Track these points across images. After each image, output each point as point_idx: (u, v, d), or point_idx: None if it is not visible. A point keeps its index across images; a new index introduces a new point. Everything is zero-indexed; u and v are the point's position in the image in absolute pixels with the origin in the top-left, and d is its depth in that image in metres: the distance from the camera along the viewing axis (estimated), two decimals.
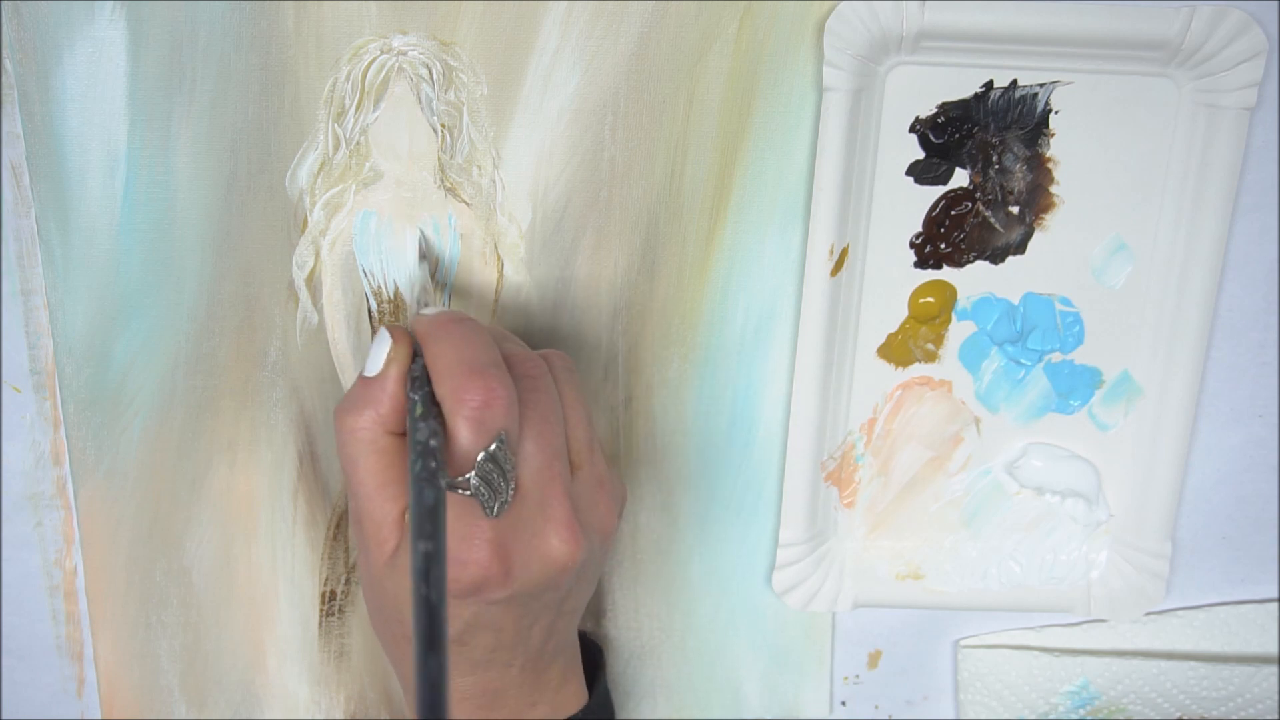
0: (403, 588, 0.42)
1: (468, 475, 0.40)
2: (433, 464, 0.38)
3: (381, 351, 0.42)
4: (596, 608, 0.56)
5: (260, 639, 0.54)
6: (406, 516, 0.42)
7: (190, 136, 0.47)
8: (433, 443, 0.39)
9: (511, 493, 0.41)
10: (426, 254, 0.49)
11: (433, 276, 0.50)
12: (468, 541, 0.40)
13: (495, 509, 0.41)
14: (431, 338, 0.42)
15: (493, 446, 0.40)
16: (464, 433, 0.40)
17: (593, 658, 0.52)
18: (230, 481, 0.52)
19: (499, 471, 0.40)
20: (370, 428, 0.42)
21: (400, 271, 0.50)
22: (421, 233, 0.49)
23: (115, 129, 0.47)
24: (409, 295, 0.50)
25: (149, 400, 0.51)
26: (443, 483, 0.37)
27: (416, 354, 0.43)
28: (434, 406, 0.41)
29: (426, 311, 0.44)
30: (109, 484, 0.52)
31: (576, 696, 0.48)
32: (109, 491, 0.52)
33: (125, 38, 0.45)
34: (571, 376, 0.45)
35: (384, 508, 0.42)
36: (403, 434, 0.43)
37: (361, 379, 0.43)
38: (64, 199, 0.47)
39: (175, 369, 0.50)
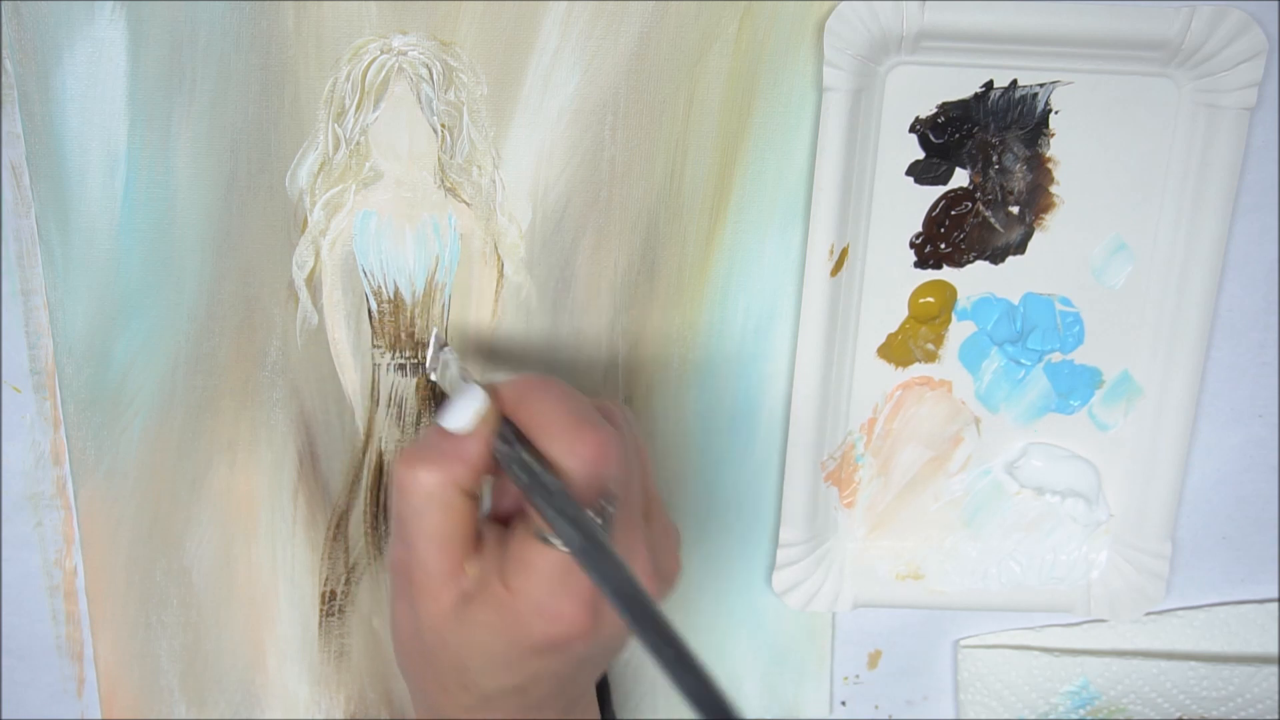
0: (473, 641, 0.41)
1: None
2: (599, 520, 0.38)
3: (471, 406, 0.41)
4: None
5: (260, 639, 0.54)
6: (470, 569, 0.41)
7: (190, 136, 0.47)
8: (600, 521, 0.39)
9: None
10: (446, 342, 0.49)
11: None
12: (566, 596, 0.40)
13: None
14: (527, 399, 0.41)
15: (606, 505, 0.40)
16: (579, 486, 0.39)
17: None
18: (230, 481, 0.52)
19: (605, 527, 0.40)
20: (446, 485, 0.41)
21: (401, 273, 0.50)
22: (435, 333, 0.49)
23: (115, 129, 0.47)
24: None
25: (149, 400, 0.51)
26: (607, 545, 0.38)
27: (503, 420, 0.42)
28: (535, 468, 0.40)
29: (501, 377, 0.43)
30: (109, 484, 0.52)
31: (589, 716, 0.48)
32: (109, 491, 0.52)
33: (125, 38, 0.45)
34: (634, 428, 0.45)
35: (443, 561, 0.41)
36: (470, 495, 0.42)
37: (441, 432, 0.41)
38: (64, 199, 0.47)
39: (175, 369, 0.50)
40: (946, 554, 0.55)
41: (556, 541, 0.39)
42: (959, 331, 0.52)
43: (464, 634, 0.42)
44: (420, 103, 0.47)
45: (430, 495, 0.41)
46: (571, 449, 0.40)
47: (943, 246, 0.51)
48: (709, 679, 0.35)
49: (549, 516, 0.39)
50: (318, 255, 0.49)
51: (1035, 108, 0.49)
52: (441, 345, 0.45)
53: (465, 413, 0.41)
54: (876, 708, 0.59)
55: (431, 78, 0.47)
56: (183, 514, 0.52)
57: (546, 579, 0.40)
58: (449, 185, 0.49)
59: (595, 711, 0.48)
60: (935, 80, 0.48)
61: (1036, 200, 0.50)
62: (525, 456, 0.41)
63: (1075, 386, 0.53)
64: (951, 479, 0.54)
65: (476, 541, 0.42)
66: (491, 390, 0.42)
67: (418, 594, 0.42)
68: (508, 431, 0.41)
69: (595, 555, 0.38)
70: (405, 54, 0.47)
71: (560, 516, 0.39)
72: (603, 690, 0.51)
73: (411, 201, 0.49)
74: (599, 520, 0.39)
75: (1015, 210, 0.50)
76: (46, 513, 0.52)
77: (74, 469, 0.51)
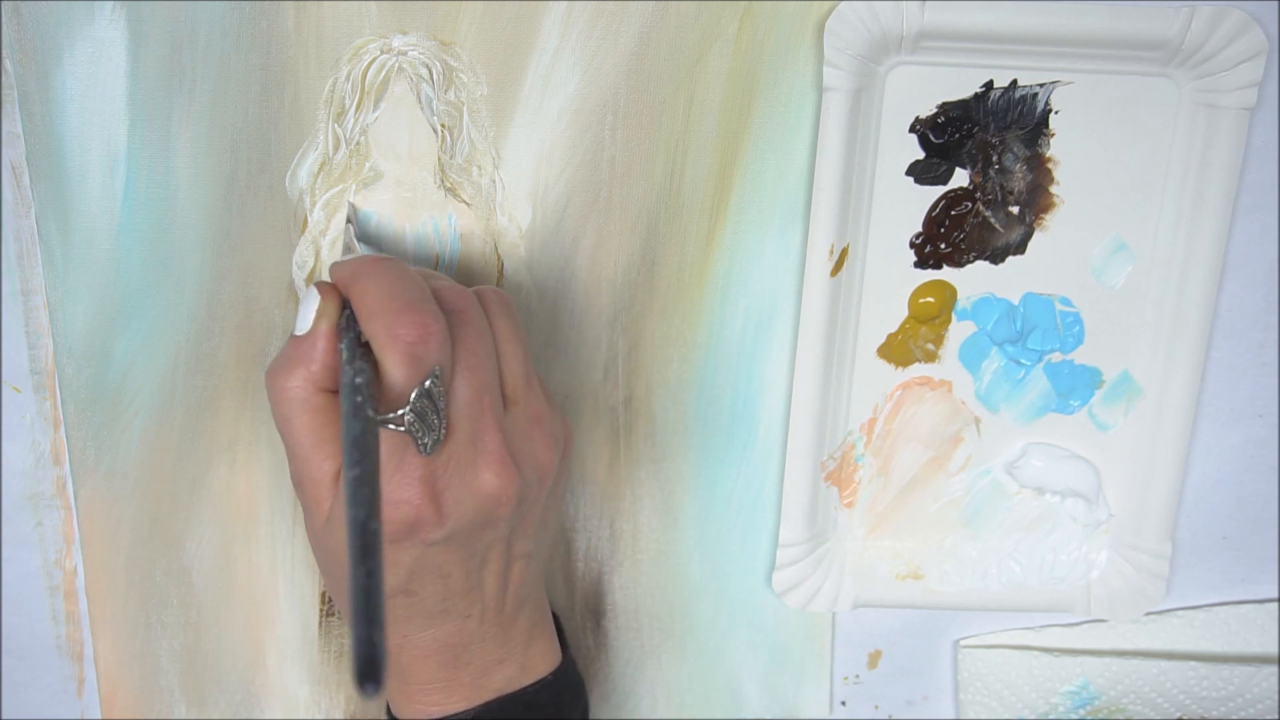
0: (342, 545, 0.41)
1: (401, 411, 0.39)
2: (359, 399, 0.37)
3: (310, 308, 0.42)
4: (597, 608, 0.56)
5: (260, 639, 0.54)
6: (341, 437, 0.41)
7: (190, 136, 0.47)
8: (359, 380, 0.38)
9: (444, 430, 0.40)
10: (352, 218, 0.48)
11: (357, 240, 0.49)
12: (399, 481, 0.40)
13: (428, 445, 0.40)
14: (358, 278, 0.41)
15: (427, 382, 0.39)
16: (398, 369, 0.39)
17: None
18: (230, 481, 0.52)
19: (433, 407, 0.40)
20: (302, 386, 0.41)
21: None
22: (350, 203, 0.48)
23: (115, 129, 0.47)
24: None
25: (149, 400, 0.51)
26: (372, 414, 0.37)
27: (344, 306, 0.42)
28: (363, 348, 0.40)
29: (344, 258, 0.43)
30: (109, 484, 0.52)
31: (546, 655, 0.47)
32: (109, 491, 0.52)
33: (125, 38, 0.45)
34: (506, 310, 0.44)
35: (321, 467, 0.41)
36: (335, 391, 0.42)
37: (292, 338, 0.42)
38: (64, 199, 0.47)
39: (175, 369, 0.50)
40: (946, 554, 0.55)
41: (395, 426, 0.39)
42: (959, 331, 0.52)
43: (337, 537, 0.42)
44: (420, 103, 0.47)
45: (291, 398, 0.41)
46: (387, 330, 0.39)
47: (943, 246, 0.51)
48: (370, 629, 0.33)
49: (341, 385, 0.39)
50: (318, 255, 0.49)
51: (1035, 108, 0.49)
52: (348, 220, 0.48)
53: (306, 314, 0.42)
54: (876, 708, 0.59)
55: (431, 78, 0.47)
56: (183, 514, 0.52)
57: (385, 464, 0.40)
58: (449, 185, 0.49)
59: (546, 649, 0.47)
60: (935, 80, 0.48)
61: (1036, 200, 0.50)
62: (342, 345, 0.41)
63: (1075, 386, 0.53)
64: (951, 479, 0.54)
65: None
66: (333, 285, 0.43)
67: (308, 503, 0.42)
68: (347, 320, 0.42)
69: (348, 428, 0.37)
70: (405, 54, 0.47)
71: (342, 396, 0.38)
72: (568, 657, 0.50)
73: (411, 201, 0.49)
74: (412, 406, 0.39)
75: (1015, 210, 0.50)
76: (46, 513, 0.52)
77: (74, 469, 0.51)
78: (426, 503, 0.40)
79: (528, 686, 0.46)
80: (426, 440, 0.40)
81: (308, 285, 0.49)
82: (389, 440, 0.40)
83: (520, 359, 0.43)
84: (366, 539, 0.33)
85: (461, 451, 0.41)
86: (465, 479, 0.41)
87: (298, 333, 0.42)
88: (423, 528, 0.40)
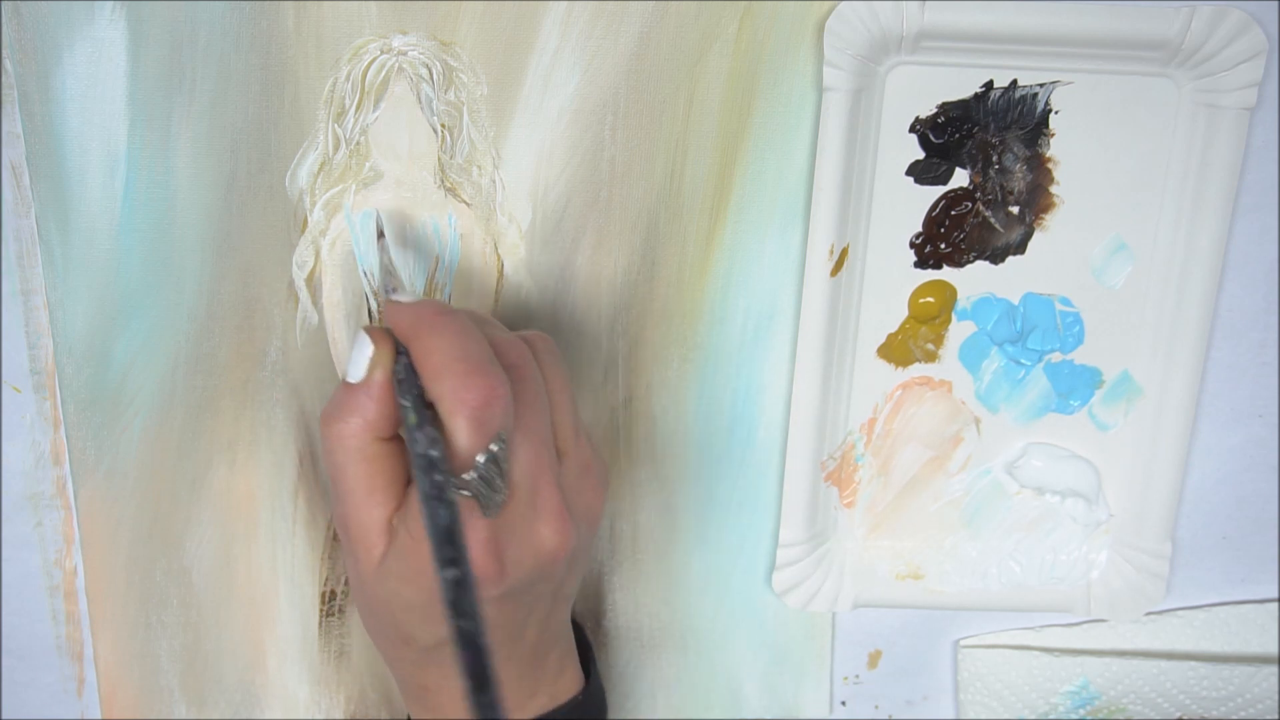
0: (394, 593, 0.42)
1: (468, 476, 0.39)
2: (439, 478, 0.37)
3: (363, 356, 0.41)
4: (596, 608, 0.56)
5: (260, 639, 0.54)
6: (394, 520, 0.41)
7: (190, 136, 0.47)
8: (433, 453, 0.38)
9: (508, 491, 0.40)
10: (384, 231, 0.48)
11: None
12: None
13: (494, 509, 0.40)
14: (419, 333, 0.41)
15: (494, 447, 0.39)
16: (465, 433, 0.39)
17: (580, 640, 0.51)
18: (230, 481, 0.52)
19: (498, 470, 0.40)
20: (358, 435, 0.41)
21: (401, 273, 0.50)
22: (378, 212, 0.48)
23: (115, 129, 0.47)
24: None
25: (149, 400, 0.51)
26: (453, 496, 0.37)
27: (399, 350, 0.42)
28: (427, 409, 0.40)
29: (400, 298, 0.42)
30: (109, 484, 0.52)
31: (573, 683, 0.47)
32: (109, 491, 0.52)
33: (125, 38, 0.45)
34: (555, 359, 0.44)
35: (372, 514, 0.41)
36: (390, 439, 0.42)
37: (345, 385, 0.42)
38: (64, 199, 0.47)
39: (175, 369, 0.50)
40: (946, 554, 0.55)
41: (461, 492, 0.39)
42: (959, 331, 0.52)
43: (388, 586, 0.42)
44: (420, 103, 0.47)
45: (346, 447, 0.41)
46: (454, 394, 0.39)
47: (943, 246, 0.51)
48: (488, 676, 0.35)
49: (411, 464, 0.39)
50: (318, 255, 0.49)
51: (1035, 108, 0.49)
52: (379, 234, 0.47)
53: (359, 362, 0.41)
54: (876, 708, 0.59)
55: (431, 78, 0.47)
56: (183, 514, 0.52)
57: None
58: (449, 185, 0.49)
59: (574, 677, 0.47)
60: (935, 80, 0.48)
61: (1036, 200, 0.50)
62: (405, 401, 0.40)
63: (1075, 386, 0.53)
64: (951, 479, 0.54)
65: (407, 488, 0.42)
66: (386, 330, 0.42)
67: (356, 548, 0.42)
68: (405, 370, 0.41)
69: (434, 516, 0.37)
70: (405, 54, 0.47)
71: (416, 467, 0.38)
72: (595, 677, 0.50)
73: (411, 201, 0.49)
74: (479, 471, 0.39)
75: (1015, 210, 0.50)
76: (46, 513, 0.52)
77: (74, 469, 0.51)
78: (490, 563, 0.40)
79: (553, 711, 0.46)
80: (490, 504, 0.40)
81: (308, 285, 0.49)
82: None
83: (570, 409, 0.43)
84: (480, 661, 0.34)
85: (522, 510, 0.41)
86: (525, 538, 0.41)
87: (351, 380, 0.41)
88: (483, 587, 0.40)
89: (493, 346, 0.41)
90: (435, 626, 0.42)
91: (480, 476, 0.39)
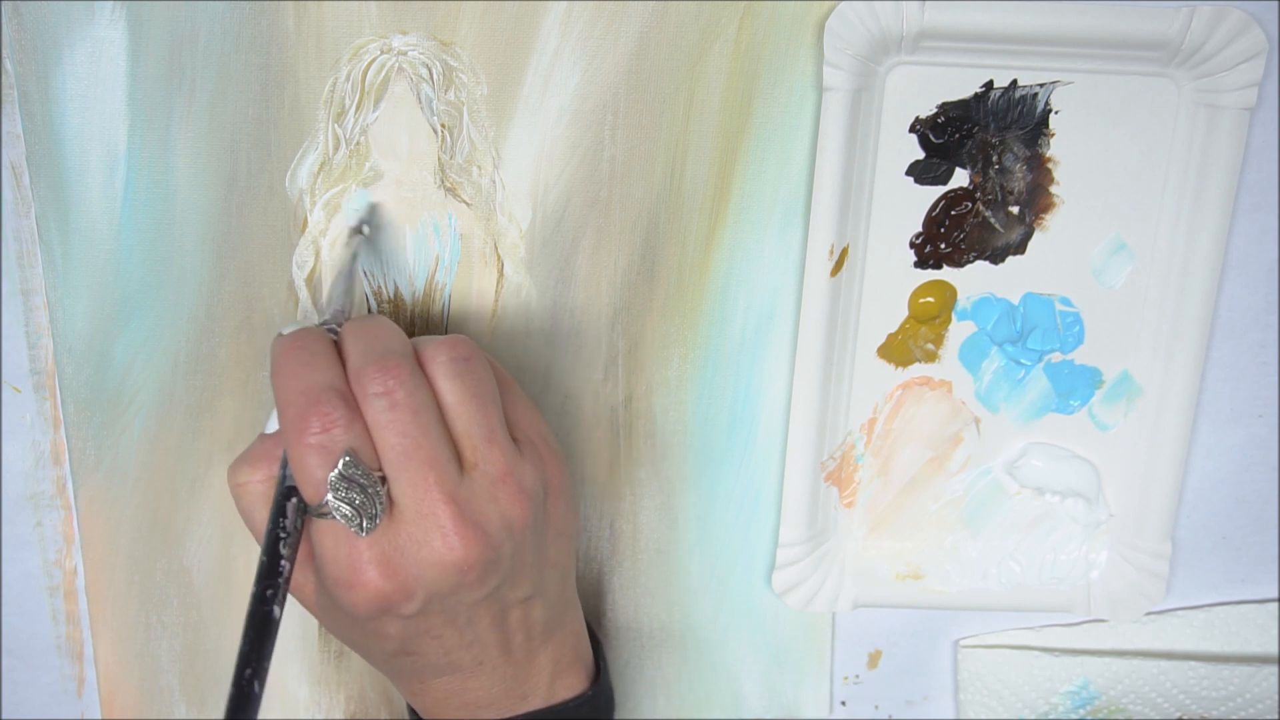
0: (330, 623, 0.45)
1: (324, 499, 0.40)
2: (269, 590, 0.41)
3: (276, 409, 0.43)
4: (596, 608, 0.56)
5: None
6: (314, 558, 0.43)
7: (190, 136, 0.47)
8: (277, 490, 0.42)
9: (382, 508, 0.41)
10: (368, 226, 0.48)
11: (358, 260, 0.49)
12: (351, 564, 0.41)
13: (365, 527, 0.41)
14: (273, 371, 0.42)
15: (340, 465, 0.40)
16: (310, 462, 0.40)
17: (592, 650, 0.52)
18: None
19: (358, 488, 0.40)
20: (263, 482, 0.43)
21: (401, 273, 0.50)
22: (370, 207, 0.48)
23: (115, 129, 0.47)
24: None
25: (149, 400, 0.51)
26: (275, 600, 0.40)
27: None
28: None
29: (285, 330, 0.44)
30: (109, 484, 0.52)
31: (574, 684, 0.47)
32: (109, 491, 0.52)
33: (125, 38, 0.45)
34: (455, 368, 0.43)
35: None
36: None
37: (261, 435, 0.44)
38: (64, 199, 0.47)
39: (175, 369, 0.50)
40: (946, 554, 0.55)
41: (328, 515, 0.41)
42: (959, 331, 0.52)
43: (324, 617, 0.45)
44: (420, 103, 0.47)
45: (249, 493, 0.44)
46: (294, 427, 0.41)
47: (943, 246, 0.51)
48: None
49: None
50: (318, 255, 0.49)
51: (1035, 108, 0.49)
52: (358, 230, 0.49)
53: (272, 414, 0.44)
54: (876, 708, 0.59)
55: (431, 78, 0.47)
56: (183, 514, 0.52)
57: (329, 551, 0.41)
58: (449, 185, 0.49)
59: (574, 683, 0.47)
60: (935, 80, 0.48)
61: (1036, 200, 0.50)
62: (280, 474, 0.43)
63: (1075, 386, 0.53)
64: (951, 479, 0.54)
65: None
66: None
67: (290, 590, 0.43)
68: None
69: (272, 533, 0.41)
70: (405, 54, 0.47)
71: (279, 491, 0.42)
72: (604, 682, 0.50)
73: (411, 201, 0.49)
74: (332, 491, 0.40)
75: (1015, 210, 0.50)
76: (46, 513, 0.52)
77: (74, 469, 0.51)
78: (385, 580, 0.41)
79: (545, 710, 0.47)
80: (361, 523, 0.41)
81: (308, 285, 0.50)
82: (332, 527, 0.41)
83: (474, 418, 0.43)
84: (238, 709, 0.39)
85: (410, 527, 0.41)
86: (420, 553, 0.41)
87: (267, 430, 0.44)
88: (392, 603, 0.41)
89: (360, 373, 0.42)
90: (378, 644, 0.44)
91: (337, 497, 0.40)
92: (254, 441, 0.44)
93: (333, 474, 0.40)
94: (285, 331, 0.44)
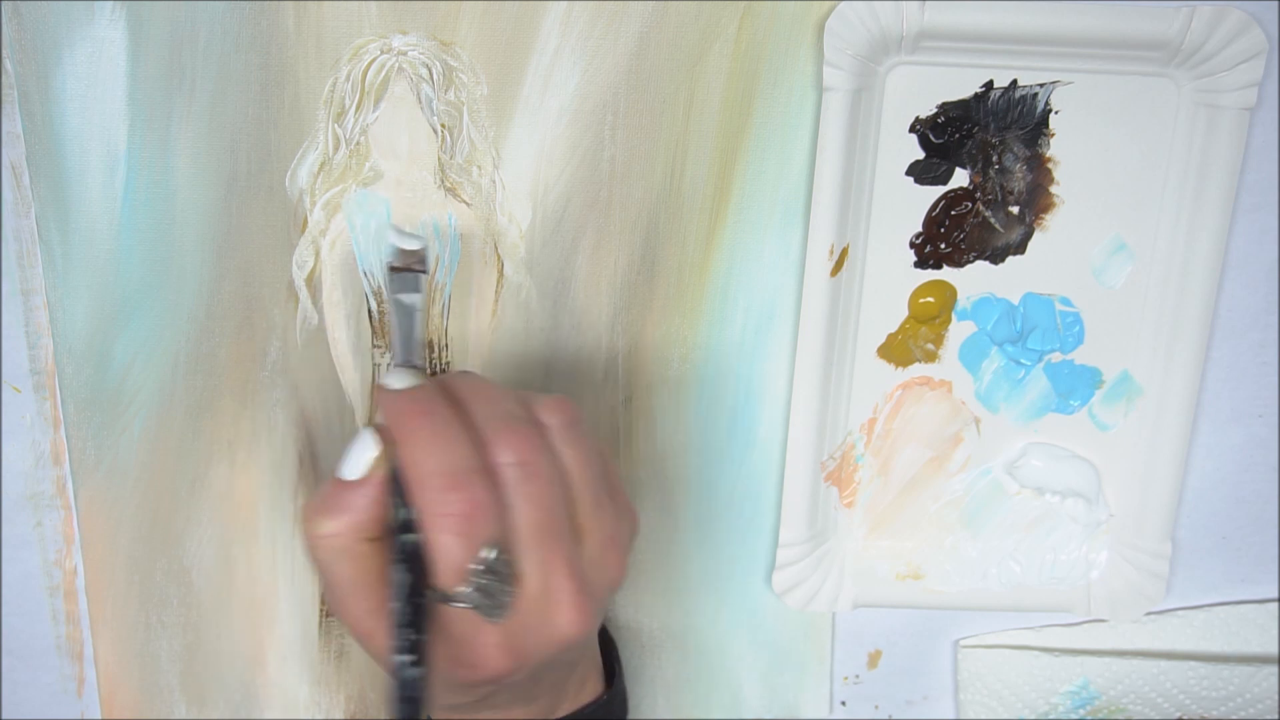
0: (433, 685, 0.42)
1: (460, 589, 0.38)
2: (397, 604, 0.38)
3: (364, 456, 0.40)
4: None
5: (260, 639, 0.54)
6: (390, 609, 0.40)
7: (190, 136, 0.47)
8: (403, 577, 0.38)
9: (512, 594, 0.39)
10: (423, 255, 0.45)
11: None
12: (475, 648, 0.39)
13: (498, 615, 0.39)
14: (400, 438, 0.39)
15: (487, 555, 0.38)
16: (449, 547, 0.38)
17: (605, 647, 0.51)
18: (230, 481, 0.52)
19: (496, 579, 0.39)
20: (345, 534, 0.40)
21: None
22: (394, 235, 0.45)
23: (115, 129, 0.47)
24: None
25: (149, 400, 0.51)
26: (421, 669, 0.37)
27: None
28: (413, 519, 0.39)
29: (393, 384, 0.41)
30: (109, 484, 0.52)
31: (595, 688, 0.47)
32: (109, 491, 0.52)
33: (125, 38, 0.45)
34: (572, 432, 0.42)
35: (361, 606, 0.41)
36: (378, 539, 0.41)
37: (337, 481, 0.41)
38: (64, 199, 0.47)
39: (175, 369, 0.50)
40: (946, 554, 0.55)
41: (458, 604, 0.39)
42: (959, 331, 0.52)
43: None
44: (420, 103, 0.47)
45: (331, 547, 0.40)
46: (433, 510, 0.38)
47: (943, 246, 0.51)
48: None
49: (390, 580, 0.39)
50: (318, 255, 0.49)
51: (1035, 108, 0.49)
52: (404, 267, 0.43)
53: (357, 462, 0.40)
54: (876, 708, 0.59)
55: (431, 78, 0.47)
56: (183, 514, 0.52)
57: (453, 628, 0.39)
58: (449, 185, 0.49)
59: (595, 685, 0.47)
60: (935, 80, 0.48)
61: (1036, 200, 0.50)
62: (391, 518, 0.40)
63: (1075, 386, 0.53)
64: (951, 479, 0.54)
65: None
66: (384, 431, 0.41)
67: (356, 635, 0.42)
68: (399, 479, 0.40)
69: (393, 641, 0.38)
70: (405, 54, 0.47)
71: (394, 585, 0.38)
72: (619, 682, 0.50)
73: (411, 201, 0.49)
74: (472, 583, 0.38)
75: (1015, 210, 0.50)
76: (46, 513, 0.52)
77: (74, 469, 0.51)
78: (507, 660, 0.40)
79: (575, 713, 0.46)
80: (494, 611, 0.39)
81: (308, 285, 0.50)
82: (463, 614, 0.39)
83: (590, 482, 0.41)
84: None
85: (536, 605, 0.40)
86: (541, 630, 0.40)
87: (347, 477, 0.40)
88: (502, 679, 0.40)
89: (493, 438, 0.40)
90: (452, 697, 0.42)
91: (474, 587, 0.38)
92: (329, 486, 0.41)
93: (474, 565, 0.38)
94: (394, 385, 0.41)
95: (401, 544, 0.39)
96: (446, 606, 0.39)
